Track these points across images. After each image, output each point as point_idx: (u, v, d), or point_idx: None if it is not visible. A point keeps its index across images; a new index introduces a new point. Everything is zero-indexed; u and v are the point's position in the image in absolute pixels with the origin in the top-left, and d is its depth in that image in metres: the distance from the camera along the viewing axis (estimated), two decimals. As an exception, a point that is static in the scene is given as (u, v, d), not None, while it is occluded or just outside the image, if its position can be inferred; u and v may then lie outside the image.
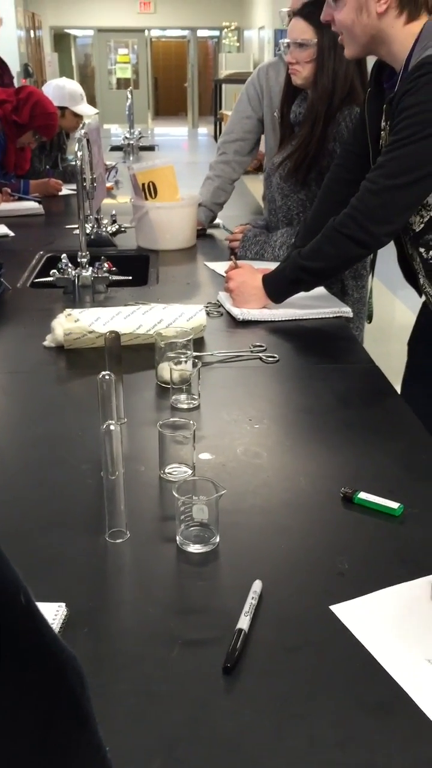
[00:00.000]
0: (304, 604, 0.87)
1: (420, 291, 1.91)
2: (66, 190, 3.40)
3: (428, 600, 0.87)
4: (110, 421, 0.94)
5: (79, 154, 1.90)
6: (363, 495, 1.06)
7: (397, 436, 1.28)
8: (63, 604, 0.85)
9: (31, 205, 3.08)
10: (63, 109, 3.56)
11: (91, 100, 14.38)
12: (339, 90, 2.04)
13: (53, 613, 0.83)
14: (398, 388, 1.97)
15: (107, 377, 1.08)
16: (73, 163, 1.93)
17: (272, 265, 2.04)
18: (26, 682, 0.45)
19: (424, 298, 1.89)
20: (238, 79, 8.20)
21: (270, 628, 0.83)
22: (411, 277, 1.88)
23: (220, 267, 2.23)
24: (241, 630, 0.81)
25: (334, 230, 1.68)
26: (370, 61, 1.79)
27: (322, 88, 2.04)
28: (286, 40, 2.09)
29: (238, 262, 2.00)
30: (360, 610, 0.86)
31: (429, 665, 0.78)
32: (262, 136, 2.55)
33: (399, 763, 0.67)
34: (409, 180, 1.55)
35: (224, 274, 2.12)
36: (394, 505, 1.04)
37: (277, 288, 1.82)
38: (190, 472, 1.13)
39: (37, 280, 2.11)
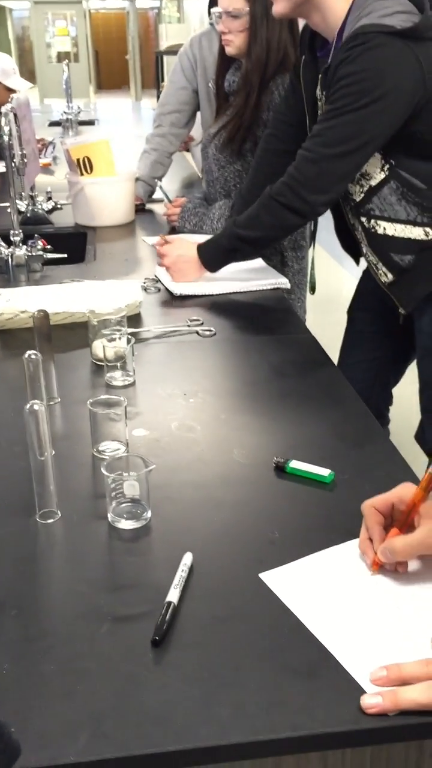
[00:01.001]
0: (235, 574, 0.88)
1: (357, 260, 1.93)
2: (2, 167, 3.32)
3: (353, 562, 0.89)
4: (35, 401, 0.92)
5: (6, 129, 1.85)
6: (294, 464, 1.07)
7: (331, 405, 1.29)
8: (-10, 587, 0.84)
9: (-36, 184, 3.00)
10: (-5, 83, 3.46)
11: (31, 75, 14.03)
12: (273, 58, 2.02)
13: (-20, 596, 0.82)
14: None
15: (33, 356, 1.07)
16: (3, 138, 1.87)
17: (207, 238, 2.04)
18: None
19: (363, 266, 1.90)
20: (179, 50, 8.06)
21: (199, 599, 0.84)
22: (350, 247, 1.89)
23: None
24: (170, 603, 0.81)
25: (271, 198, 1.67)
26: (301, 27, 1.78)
27: (256, 58, 2.02)
28: (218, 10, 2.06)
29: (169, 237, 1.98)
30: (287, 576, 0.87)
31: (353, 626, 0.79)
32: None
33: (322, 722, 0.68)
34: (347, 149, 1.55)
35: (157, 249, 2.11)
36: (325, 472, 1.06)
37: (212, 257, 1.81)
38: (123, 449, 1.13)
39: (-31, 261, 2.06)
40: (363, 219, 1.68)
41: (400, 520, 0.89)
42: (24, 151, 1.99)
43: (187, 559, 0.88)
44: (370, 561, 0.88)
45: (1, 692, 0.72)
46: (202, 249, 1.81)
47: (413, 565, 0.88)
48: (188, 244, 1.86)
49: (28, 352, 1.06)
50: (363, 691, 0.71)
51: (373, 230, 1.69)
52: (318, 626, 0.79)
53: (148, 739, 0.67)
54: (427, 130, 1.54)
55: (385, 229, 1.66)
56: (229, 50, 2.07)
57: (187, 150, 3.47)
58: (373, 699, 0.70)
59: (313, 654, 0.76)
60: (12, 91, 3.47)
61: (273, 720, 0.69)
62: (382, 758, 0.73)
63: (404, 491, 0.89)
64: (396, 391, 2.10)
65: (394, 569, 0.87)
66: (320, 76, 1.64)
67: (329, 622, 0.80)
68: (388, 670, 0.72)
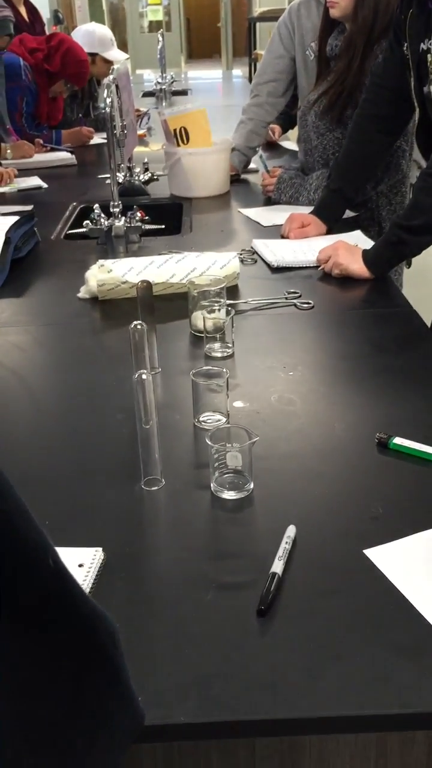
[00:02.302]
0: (338, 548, 0.88)
1: None
2: (98, 138, 3.36)
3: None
4: (142, 371, 0.94)
5: (108, 100, 1.87)
6: (398, 440, 1.06)
7: (433, 381, 1.26)
8: (100, 549, 0.87)
9: (63, 156, 3.06)
10: (93, 55, 3.49)
11: (123, 45, 14.07)
12: (380, 21, 1.96)
13: (90, 557, 0.85)
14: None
15: (139, 327, 1.08)
16: (105, 110, 1.89)
17: (308, 209, 2.01)
18: (57, 643, 0.47)
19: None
20: (272, 16, 7.91)
21: (304, 572, 0.84)
22: None
23: (254, 213, 2.19)
24: (274, 574, 0.82)
25: (427, 176, 1.58)
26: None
27: (363, 20, 1.96)
28: None
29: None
30: (393, 553, 0.86)
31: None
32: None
33: (428, 700, 0.68)
34: None
35: (257, 221, 2.10)
36: (431, 450, 1.03)
37: (376, 253, 1.66)
38: (224, 420, 1.14)
39: (70, 232, 2.11)
40: None
41: None
42: (124, 122, 2.01)
43: (291, 531, 0.89)
44: None
45: (112, 651, 0.74)
46: (366, 251, 1.68)
47: None
48: (349, 245, 1.73)
49: (134, 322, 1.07)
50: (472, 673, 0.70)
51: None
52: (424, 605, 0.78)
53: (256, 705, 0.69)
54: None
55: None
56: (334, 12, 2.01)
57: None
58: None
59: (420, 632, 0.75)
60: (110, 63, 3.49)
61: (380, 695, 0.69)
62: None
63: None
64: None
65: None
66: None
67: (436, 601, 0.79)
68: None
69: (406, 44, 1.71)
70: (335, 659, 0.73)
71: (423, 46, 1.65)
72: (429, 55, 1.62)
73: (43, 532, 0.46)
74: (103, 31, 3.57)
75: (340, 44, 2.07)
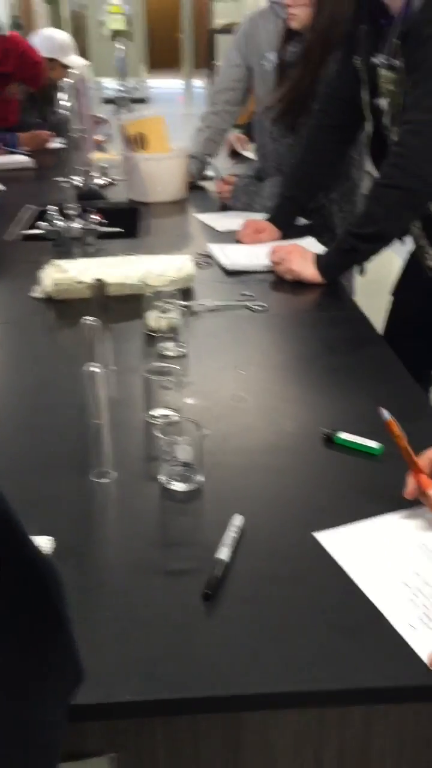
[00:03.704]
0: (285, 536, 0.91)
1: (402, 237, 1.91)
2: (57, 142, 3.37)
3: (410, 531, 0.91)
4: (92, 364, 0.96)
5: (67, 104, 1.88)
6: (343, 435, 1.09)
7: (381, 380, 1.30)
8: (51, 538, 0.88)
9: (21, 159, 3.05)
10: (52, 60, 3.50)
11: (85, 53, 14.06)
12: (337, 32, 2.01)
13: (42, 545, 0.86)
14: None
15: (92, 322, 1.10)
16: (63, 114, 1.91)
17: (262, 216, 2.05)
18: (2, 581, 0.48)
19: (408, 246, 1.89)
20: (232, 29, 7.98)
21: (250, 559, 0.87)
22: None
23: (210, 219, 2.23)
24: (221, 560, 0.84)
25: (378, 186, 1.61)
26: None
27: (320, 30, 2.01)
28: None
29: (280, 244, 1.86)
30: (342, 537, 0.89)
31: (405, 588, 0.81)
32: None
33: (367, 676, 0.71)
34: None
35: (212, 226, 2.13)
36: (375, 444, 1.07)
37: (329, 259, 1.70)
38: (176, 416, 1.16)
39: (26, 233, 2.12)
40: None
41: None
42: (82, 126, 2.03)
43: (238, 520, 0.91)
44: None
45: (60, 635, 0.76)
46: (319, 256, 1.72)
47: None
48: (303, 249, 1.77)
49: (87, 318, 1.09)
50: (409, 650, 0.73)
51: (428, 213, 1.68)
52: (369, 585, 0.81)
53: (199, 683, 0.71)
54: None
55: None
56: (293, 24, 2.06)
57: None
58: None
59: (360, 612, 0.78)
60: (69, 68, 3.50)
61: (318, 672, 0.72)
62: (423, 717, 0.75)
63: None
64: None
65: None
66: (395, 41, 1.60)
67: (380, 582, 0.82)
68: None
69: (358, 58, 1.76)
70: (278, 639, 0.75)
71: (374, 60, 1.70)
72: (381, 69, 1.67)
73: None
74: (63, 36, 3.59)
75: (298, 52, 2.12)
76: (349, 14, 1.96)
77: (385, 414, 0.98)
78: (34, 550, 0.50)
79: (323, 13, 1.99)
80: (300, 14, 2.02)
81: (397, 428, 0.97)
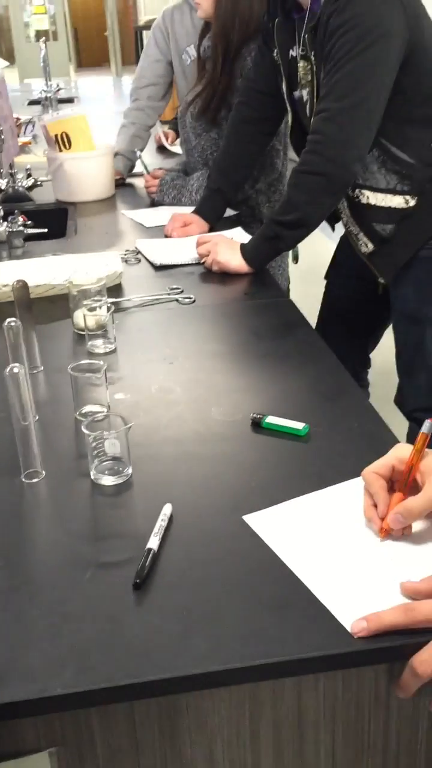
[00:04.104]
0: (213, 521, 0.92)
1: (333, 226, 1.95)
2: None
3: (331, 506, 0.93)
4: (13, 365, 0.96)
5: (-18, 106, 1.86)
6: (270, 419, 1.11)
7: (307, 363, 1.33)
8: (-22, 542, 0.88)
9: None
10: (-29, 63, 3.45)
11: (10, 55, 13.84)
12: (239, 24, 2.02)
13: (-32, 550, 0.86)
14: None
15: (13, 324, 1.10)
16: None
17: (191, 209, 2.06)
18: None
19: (339, 232, 1.93)
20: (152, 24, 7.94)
21: (179, 546, 0.88)
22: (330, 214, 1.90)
23: (138, 215, 2.23)
24: (150, 549, 0.85)
25: (298, 173, 1.63)
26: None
27: (221, 22, 2.02)
28: None
29: (206, 236, 1.87)
30: (270, 518, 0.91)
31: (329, 562, 0.83)
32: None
33: (294, 648, 0.73)
34: (360, 97, 1.52)
35: (141, 222, 2.14)
36: (300, 425, 1.09)
37: (254, 248, 1.71)
38: (105, 411, 1.16)
39: None
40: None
41: (400, 482, 0.88)
42: (1, 129, 2.01)
43: (167, 509, 0.92)
44: (377, 527, 0.86)
45: (-9, 636, 0.76)
46: (244, 246, 1.73)
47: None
48: (228, 240, 1.79)
49: (8, 320, 1.09)
50: (333, 620, 0.75)
51: (356, 199, 1.71)
52: (295, 562, 0.83)
53: (131, 670, 0.72)
54: (411, 84, 1.55)
55: (368, 198, 1.69)
56: (199, 13, 2.08)
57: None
58: (359, 624, 0.73)
59: (286, 588, 0.80)
60: (-12, 70, 3.45)
61: (248, 650, 0.73)
62: (353, 683, 0.77)
63: (401, 452, 0.89)
64: (378, 356, 2.14)
65: (400, 534, 0.85)
66: (304, 35, 1.63)
67: (306, 558, 0.84)
68: (368, 621, 0.73)
69: (275, 50, 1.78)
70: (207, 621, 0.77)
71: (292, 52, 1.73)
72: (300, 61, 1.69)
73: None
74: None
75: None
76: (256, 7, 1.99)
77: (427, 426, 0.88)
78: None
79: (221, 3, 2.00)
80: (203, 3, 2.03)
81: (422, 444, 0.88)
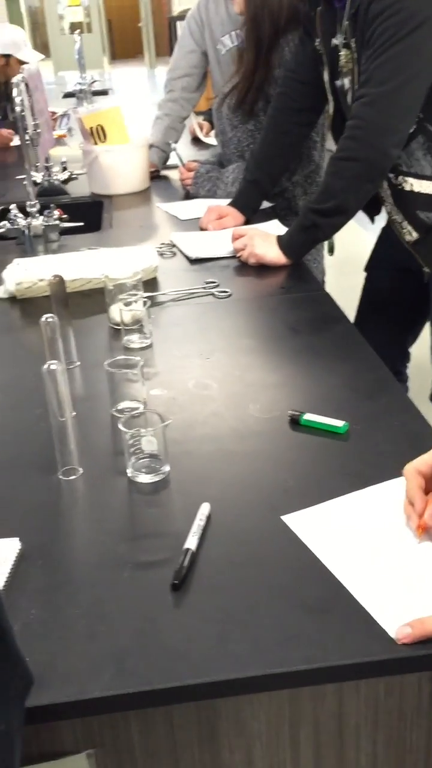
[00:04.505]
0: (251, 521, 0.91)
1: (372, 218, 1.91)
2: (18, 140, 3.33)
3: (375, 507, 0.91)
4: (51, 362, 0.95)
5: (18, 99, 1.86)
6: (309, 416, 1.09)
7: (345, 359, 1.30)
8: (17, 539, 0.87)
9: (-19, 159, 3.02)
10: (7, 56, 3.46)
11: (45, 48, 13.91)
12: (268, 16, 1.99)
13: (7, 548, 0.86)
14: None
15: (50, 320, 1.09)
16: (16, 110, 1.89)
17: (226, 202, 2.04)
18: None
19: (380, 224, 1.89)
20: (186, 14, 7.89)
21: (217, 546, 0.87)
22: (367, 205, 1.87)
23: (173, 208, 2.22)
24: (188, 549, 0.84)
25: (336, 160, 1.61)
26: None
27: (251, 15, 2.00)
28: None
29: (241, 228, 1.84)
30: (309, 518, 0.89)
31: (371, 564, 0.81)
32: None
33: (335, 654, 0.71)
34: (400, 82, 1.50)
35: (175, 215, 2.12)
36: (339, 423, 1.07)
37: (291, 238, 1.68)
38: (141, 408, 1.15)
39: (-12, 233, 2.09)
40: (390, 175, 1.66)
41: None
42: (37, 122, 2.01)
43: (205, 508, 0.91)
44: (414, 526, 0.85)
45: (30, 635, 0.75)
46: (281, 237, 1.70)
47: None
48: (264, 233, 1.76)
49: (45, 315, 1.09)
50: (376, 625, 0.74)
51: (399, 187, 1.67)
52: (336, 564, 0.82)
53: (169, 674, 0.71)
54: None
55: (411, 185, 1.65)
56: (236, 8, 2.05)
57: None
58: (403, 630, 0.72)
59: (327, 591, 0.79)
60: (23, 63, 3.47)
61: (287, 654, 0.72)
62: (395, 689, 0.75)
63: None
64: (418, 352, 2.10)
65: None
66: (346, 23, 1.61)
67: (347, 561, 0.82)
68: (413, 627, 0.72)
69: (317, 39, 1.75)
70: (246, 624, 0.75)
71: (334, 41, 1.70)
72: (342, 50, 1.66)
73: None
74: (15, 32, 3.55)
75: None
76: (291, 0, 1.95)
77: None
78: None
79: None
80: None
81: None
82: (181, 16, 10.50)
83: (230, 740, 0.75)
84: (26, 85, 1.95)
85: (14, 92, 1.87)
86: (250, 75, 2.07)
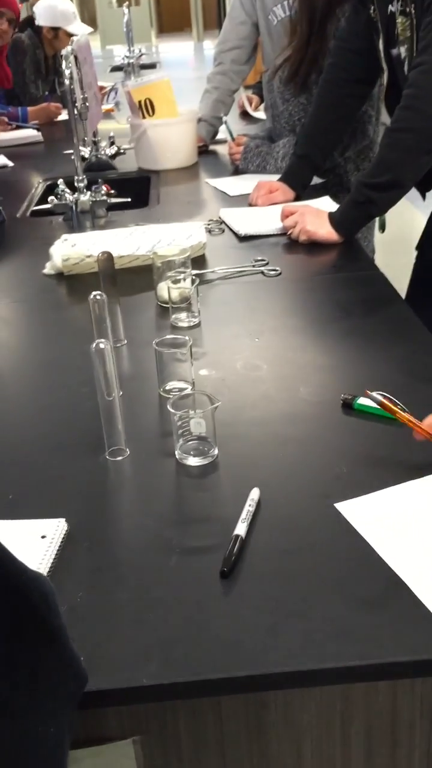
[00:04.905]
0: (302, 508, 0.88)
1: (424, 195, 1.85)
2: (66, 114, 3.32)
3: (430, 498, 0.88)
4: (99, 340, 0.93)
5: (67, 72, 1.83)
6: (362, 400, 1.06)
7: (399, 341, 1.26)
8: (62, 520, 0.86)
9: (29, 133, 3.01)
10: (56, 29, 3.44)
11: (93, 21, 13.85)
12: None
13: (54, 528, 0.85)
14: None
15: (99, 297, 1.07)
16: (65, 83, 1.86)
17: (275, 177, 1.99)
18: None
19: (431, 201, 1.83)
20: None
21: (267, 533, 0.84)
22: (419, 182, 1.81)
23: (222, 183, 2.18)
24: (237, 536, 0.82)
25: (390, 131, 1.56)
26: None
27: None
28: None
29: (292, 205, 1.80)
30: (364, 507, 0.86)
31: (429, 557, 0.78)
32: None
33: (390, 651, 0.68)
34: None
35: (224, 191, 2.09)
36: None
37: (343, 214, 1.64)
38: (189, 388, 1.13)
39: (35, 209, 2.09)
40: None
41: None
42: (86, 95, 1.98)
43: (255, 494, 0.89)
44: None
45: (77, 619, 0.74)
46: (332, 213, 1.66)
47: None
48: (315, 209, 1.72)
49: (93, 293, 1.07)
50: (433, 622, 0.71)
51: None
52: (393, 556, 0.79)
53: (218, 664, 0.69)
54: None
55: None
56: None
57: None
58: None
59: (382, 584, 0.76)
60: (71, 36, 3.43)
61: (341, 649, 0.69)
62: (452, 688, 0.72)
63: None
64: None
65: None
66: None
67: (405, 552, 0.79)
68: None
69: (372, 7, 1.69)
70: (297, 615, 0.73)
71: (391, 8, 1.63)
72: (399, 17, 1.60)
73: None
74: (65, 5, 3.51)
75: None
76: None
77: (376, 397, 0.98)
78: (19, 569, 0.49)
79: None
80: None
81: (390, 406, 0.96)
82: (230, -12, 10.34)
83: (279, 733, 0.74)
84: (75, 57, 1.92)
85: (63, 65, 1.85)
86: (304, 46, 2.01)
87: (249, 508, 0.87)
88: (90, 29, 3.64)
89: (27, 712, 0.50)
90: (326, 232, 1.65)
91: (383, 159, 1.57)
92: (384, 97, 1.81)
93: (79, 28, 3.50)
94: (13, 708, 0.49)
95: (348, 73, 1.87)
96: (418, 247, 1.97)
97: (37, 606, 0.51)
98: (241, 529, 0.83)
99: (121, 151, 2.46)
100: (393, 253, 2.67)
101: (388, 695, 0.72)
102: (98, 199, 1.94)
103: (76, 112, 1.93)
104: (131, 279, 1.55)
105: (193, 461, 0.97)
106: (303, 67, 2.04)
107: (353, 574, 0.77)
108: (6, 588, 0.48)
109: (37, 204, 2.15)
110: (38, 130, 3.04)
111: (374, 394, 0.98)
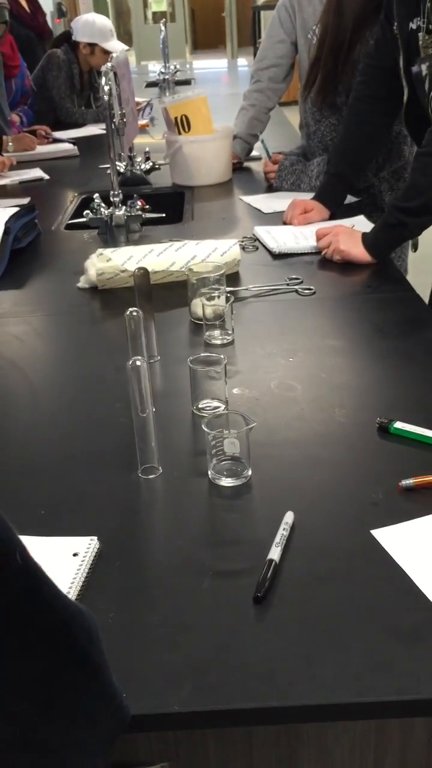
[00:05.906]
0: (336, 534, 0.86)
1: None
2: (97, 129, 3.35)
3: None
4: (136, 357, 0.93)
5: (106, 88, 1.85)
6: (399, 425, 1.04)
7: (436, 364, 1.24)
8: (95, 538, 0.86)
9: (65, 147, 3.04)
10: (92, 45, 3.47)
11: (128, 37, 14.00)
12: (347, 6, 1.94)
13: (85, 546, 0.84)
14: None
15: (135, 313, 1.07)
16: (104, 99, 1.88)
17: (310, 196, 1.99)
18: (28, 641, 0.46)
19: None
20: (276, 4, 7.79)
21: (301, 558, 0.83)
22: None
23: (256, 201, 2.18)
24: (271, 560, 0.81)
25: (421, 156, 1.55)
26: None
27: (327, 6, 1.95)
28: None
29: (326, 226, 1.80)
30: (401, 534, 0.84)
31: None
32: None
33: (428, 686, 0.66)
34: None
35: (258, 208, 2.08)
36: (432, 434, 1.02)
37: (376, 236, 1.63)
38: (222, 407, 1.12)
39: (70, 222, 2.10)
40: None
41: None
42: (123, 111, 1.99)
43: (289, 517, 0.87)
44: None
45: (108, 640, 0.72)
46: (366, 234, 1.65)
47: None
48: (349, 229, 1.72)
49: (130, 309, 1.06)
50: (473, 658, 0.69)
51: None
52: (431, 587, 0.77)
53: (251, 693, 0.67)
54: None
55: None
56: None
57: None
58: None
59: (420, 616, 0.74)
60: (109, 54, 3.47)
61: (377, 682, 0.67)
62: None
63: None
64: None
65: None
66: (427, 5, 1.54)
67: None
68: None
69: (395, 23, 1.68)
70: (333, 645, 0.71)
71: (412, 25, 1.63)
72: (419, 34, 1.59)
73: (10, 527, 0.45)
74: (103, 21, 3.55)
75: None
76: None
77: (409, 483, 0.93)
78: (63, 602, 0.48)
79: None
80: None
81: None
82: (266, 6, 10.38)
83: (311, 766, 0.72)
84: (114, 73, 1.93)
85: (102, 80, 1.86)
86: (328, 66, 2.01)
87: (283, 532, 0.85)
88: (126, 47, 3.67)
89: (64, 749, 0.49)
90: (359, 252, 1.64)
91: (415, 183, 1.56)
92: (404, 113, 1.80)
93: (115, 45, 3.53)
94: (50, 746, 0.48)
95: (376, 90, 1.86)
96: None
97: (79, 641, 0.49)
98: (275, 553, 0.82)
99: (156, 166, 2.47)
100: (426, 272, 2.65)
101: (424, 730, 0.70)
102: (133, 213, 1.94)
103: (114, 127, 1.94)
104: (165, 295, 1.55)
105: (226, 482, 0.96)
106: (330, 87, 2.04)
107: (390, 605, 0.76)
108: (49, 622, 0.47)
109: (72, 217, 2.16)
110: (74, 144, 3.06)
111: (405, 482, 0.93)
